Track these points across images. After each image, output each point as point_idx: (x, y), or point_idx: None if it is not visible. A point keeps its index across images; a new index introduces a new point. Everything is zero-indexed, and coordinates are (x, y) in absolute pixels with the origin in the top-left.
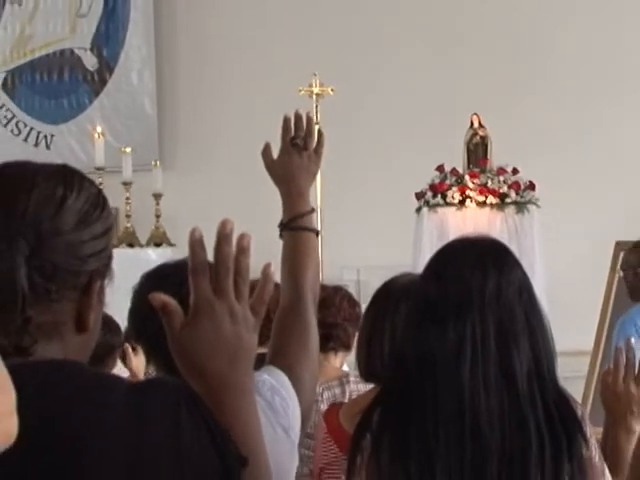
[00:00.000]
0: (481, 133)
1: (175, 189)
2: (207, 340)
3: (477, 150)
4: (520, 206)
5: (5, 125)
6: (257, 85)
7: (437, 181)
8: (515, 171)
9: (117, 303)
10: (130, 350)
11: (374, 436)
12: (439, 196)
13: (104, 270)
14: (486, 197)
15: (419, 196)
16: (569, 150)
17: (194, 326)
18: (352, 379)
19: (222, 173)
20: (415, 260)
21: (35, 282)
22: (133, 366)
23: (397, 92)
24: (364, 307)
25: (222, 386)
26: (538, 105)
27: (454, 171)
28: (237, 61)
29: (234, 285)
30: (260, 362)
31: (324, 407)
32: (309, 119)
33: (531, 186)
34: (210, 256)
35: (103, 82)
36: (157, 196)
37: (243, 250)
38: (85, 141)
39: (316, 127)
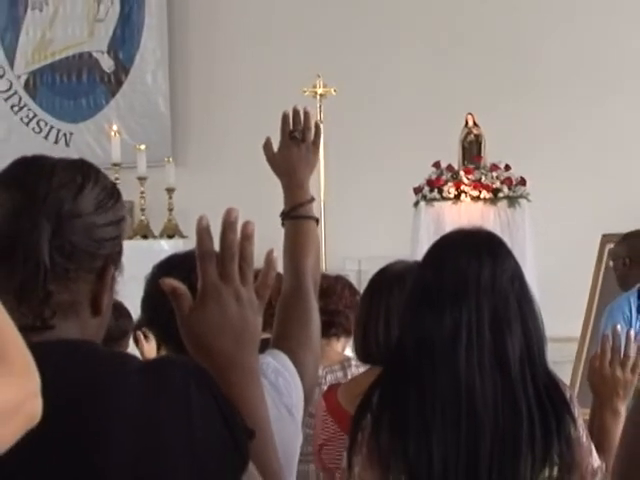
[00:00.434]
0: (475, 132)
1: (187, 184)
2: (214, 322)
3: (471, 148)
4: (512, 200)
5: (27, 124)
6: (264, 86)
7: (434, 177)
8: (507, 167)
9: (132, 291)
10: (142, 337)
11: (374, 415)
12: (436, 191)
13: (117, 258)
14: (480, 192)
15: (417, 191)
16: (558, 148)
17: (202, 309)
18: (353, 363)
19: (230, 169)
20: (413, 251)
21: (55, 261)
22: (145, 351)
23: (396, 92)
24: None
25: (229, 365)
26: (529, 106)
27: (450, 167)
28: (245, 64)
29: (239, 270)
30: (264, 347)
31: (326, 388)
32: (306, 114)
33: (522, 182)
34: (217, 244)
35: (119, 83)
36: (170, 190)
37: (247, 237)
38: (102, 139)
39: (314, 121)
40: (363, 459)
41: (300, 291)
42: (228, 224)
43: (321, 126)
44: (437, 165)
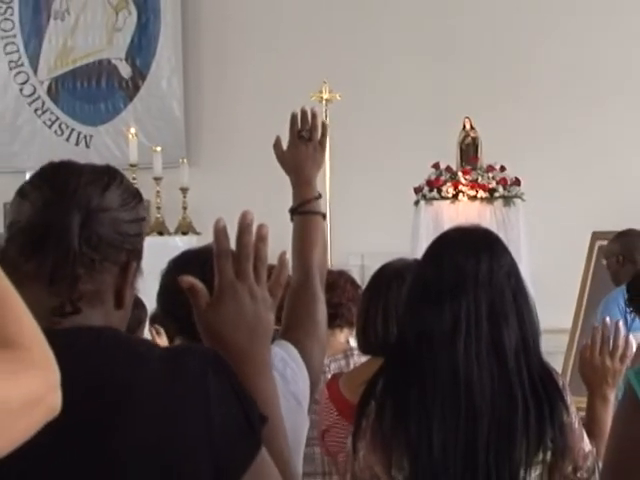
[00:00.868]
0: (472, 134)
1: (200, 184)
2: (230, 317)
3: (469, 149)
4: (507, 200)
5: (50, 126)
6: (273, 91)
7: (433, 177)
8: (503, 168)
9: (148, 284)
10: (154, 332)
11: (378, 403)
12: (435, 190)
13: (139, 255)
14: (477, 192)
15: (417, 190)
16: (551, 150)
17: (218, 305)
18: (356, 352)
19: (242, 169)
20: (413, 247)
21: (83, 251)
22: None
23: (397, 97)
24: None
25: (243, 358)
26: (524, 109)
27: (448, 168)
28: (255, 70)
29: (254, 269)
30: (272, 337)
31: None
32: (313, 114)
33: (517, 182)
34: (233, 244)
35: (136, 88)
36: (184, 190)
37: (262, 238)
38: (120, 141)
39: (320, 121)
40: (367, 444)
41: (307, 283)
42: (244, 226)
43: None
44: (436, 166)
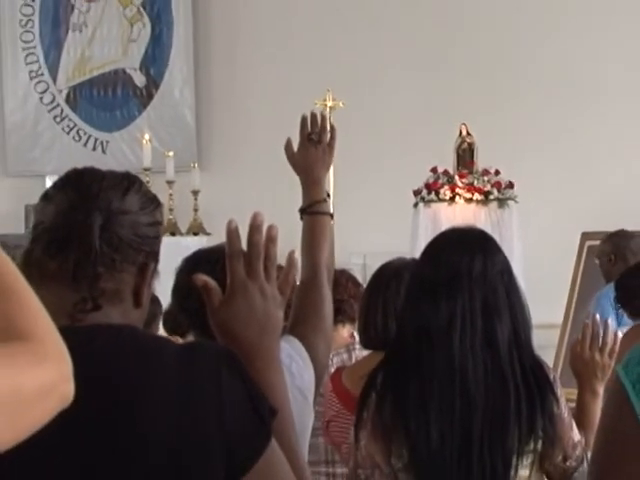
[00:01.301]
0: (468, 140)
1: (210, 187)
2: (241, 314)
3: (465, 154)
4: (501, 202)
5: (68, 133)
6: (280, 99)
7: (431, 180)
8: (497, 172)
9: (162, 281)
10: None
11: (378, 395)
12: (433, 193)
13: (156, 257)
14: (473, 194)
15: (416, 193)
16: (543, 155)
17: (230, 302)
18: (357, 347)
19: (250, 173)
20: (412, 247)
21: (103, 251)
22: None
23: (397, 105)
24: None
25: (253, 353)
26: (518, 117)
27: (446, 172)
28: (263, 79)
29: (264, 268)
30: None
31: (333, 370)
32: (323, 117)
33: (511, 185)
34: (243, 244)
35: (150, 97)
36: (195, 193)
37: (272, 239)
38: (135, 146)
39: (329, 124)
40: (368, 434)
41: (315, 281)
42: (255, 227)
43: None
44: (434, 170)
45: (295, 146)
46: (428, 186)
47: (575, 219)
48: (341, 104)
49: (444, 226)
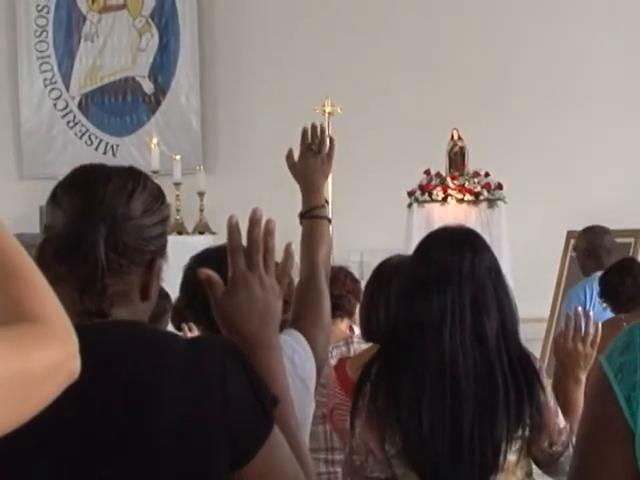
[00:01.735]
0: (459, 144)
1: (215, 188)
2: (242, 305)
3: (456, 157)
4: (491, 202)
5: (80, 137)
6: (281, 106)
7: (425, 182)
8: (487, 174)
9: (170, 278)
10: (187, 329)
11: (373, 384)
12: (426, 194)
13: (162, 251)
14: (464, 195)
15: (410, 194)
16: (530, 158)
17: (232, 294)
18: (356, 340)
19: (253, 175)
20: (407, 245)
21: (110, 258)
22: None
23: (392, 110)
24: (365, 283)
25: (255, 342)
26: (506, 122)
27: (438, 174)
28: (265, 87)
29: (263, 261)
30: (282, 327)
31: (333, 362)
32: (322, 129)
33: (500, 186)
34: (244, 239)
35: (158, 103)
36: (201, 194)
37: (269, 232)
38: (144, 150)
39: (328, 136)
40: (363, 422)
41: (314, 279)
42: (254, 221)
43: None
44: (427, 172)
45: (296, 156)
46: (422, 187)
47: (561, 218)
48: (339, 110)
49: (437, 225)
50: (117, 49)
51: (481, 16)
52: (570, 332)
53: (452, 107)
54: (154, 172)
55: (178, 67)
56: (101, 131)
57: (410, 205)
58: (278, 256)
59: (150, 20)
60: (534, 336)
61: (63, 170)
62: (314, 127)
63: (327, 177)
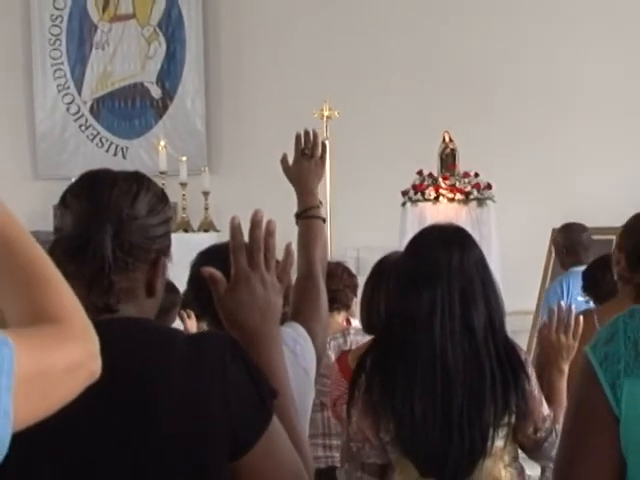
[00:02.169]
0: (451, 146)
1: (219, 188)
2: (244, 301)
3: (448, 159)
4: (480, 201)
5: (92, 140)
6: (282, 110)
7: (418, 182)
8: (476, 175)
9: (177, 273)
10: (186, 315)
11: (368, 376)
12: (419, 194)
13: (166, 250)
14: (455, 194)
15: (404, 193)
16: (518, 159)
17: (234, 291)
18: (352, 331)
19: (255, 176)
20: (401, 242)
21: (117, 256)
22: (188, 327)
23: (388, 114)
24: (361, 277)
25: (256, 336)
26: (495, 125)
27: (430, 175)
28: (267, 92)
29: (264, 259)
30: (282, 320)
31: (331, 353)
32: (315, 135)
33: (489, 186)
34: (246, 238)
35: (165, 107)
36: (206, 194)
37: (270, 233)
38: (152, 152)
39: (320, 141)
40: (359, 411)
41: (311, 276)
42: (255, 222)
43: (327, 143)
44: (420, 173)
45: (290, 160)
46: (415, 187)
47: (546, 217)
48: (337, 114)
49: (429, 223)
50: (126, 56)
51: (475, 26)
52: (554, 324)
53: (444, 112)
54: (161, 173)
55: (184, 73)
56: (111, 134)
57: (404, 204)
58: (278, 254)
59: (158, 29)
60: (520, 328)
61: (76, 171)
62: (307, 132)
63: (320, 179)
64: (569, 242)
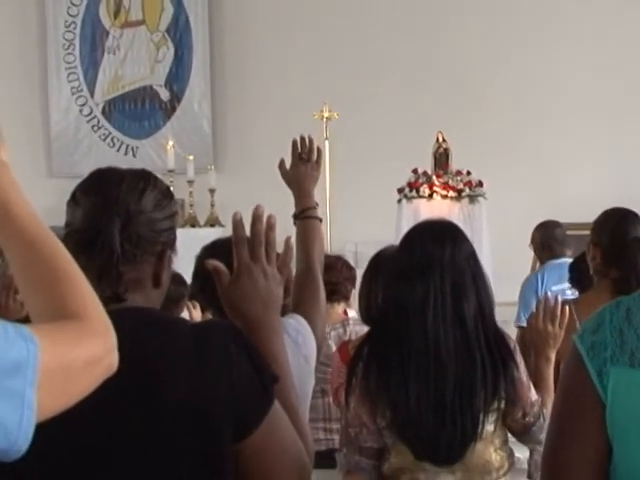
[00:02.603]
0: (444, 146)
1: (225, 186)
2: (247, 293)
3: (441, 158)
4: (472, 198)
5: (104, 140)
6: (284, 111)
7: (413, 180)
8: (469, 173)
9: (184, 266)
10: (191, 306)
11: (364, 364)
12: (414, 191)
13: (172, 243)
14: (448, 192)
15: (400, 191)
16: (508, 158)
17: (237, 283)
18: (351, 322)
19: (258, 174)
20: (397, 237)
21: (125, 248)
22: (194, 317)
23: (384, 115)
24: (359, 270)
25: (258, 325)
26: (486, 125)
27: (425, 173)
28: (269, 95)
29: (265, 252)
30: (283, 311)
31: (331, 342)
32: (310, 140)
33: (480, 184)
34: (248, 232)
35: (173, 109)
36: (211, 191)
37: (271, 227)
38: (160, 151)
39: (316, 146)
40: (357, 398)
41: (310, 272)
42: (256, 217)
43: (326, 143)
44: (415, 171)
45: (287, 165)
46: (410, 185)
47: (535, 213)
48: (336, 115)
49: (423, 218)
50: (136, 61)
51: (468, 30)
52: (541, 314)
53: (438, 113)
54: (170, 171)
55: (191, 77)
56: (122, 134)
57: (400, 201)
58: (279, 247)
59: (166, 35)
60: (510, 318)
61: (88, 169)
62: (303, 138)
63: (316, 182)
64: (544, 238)
